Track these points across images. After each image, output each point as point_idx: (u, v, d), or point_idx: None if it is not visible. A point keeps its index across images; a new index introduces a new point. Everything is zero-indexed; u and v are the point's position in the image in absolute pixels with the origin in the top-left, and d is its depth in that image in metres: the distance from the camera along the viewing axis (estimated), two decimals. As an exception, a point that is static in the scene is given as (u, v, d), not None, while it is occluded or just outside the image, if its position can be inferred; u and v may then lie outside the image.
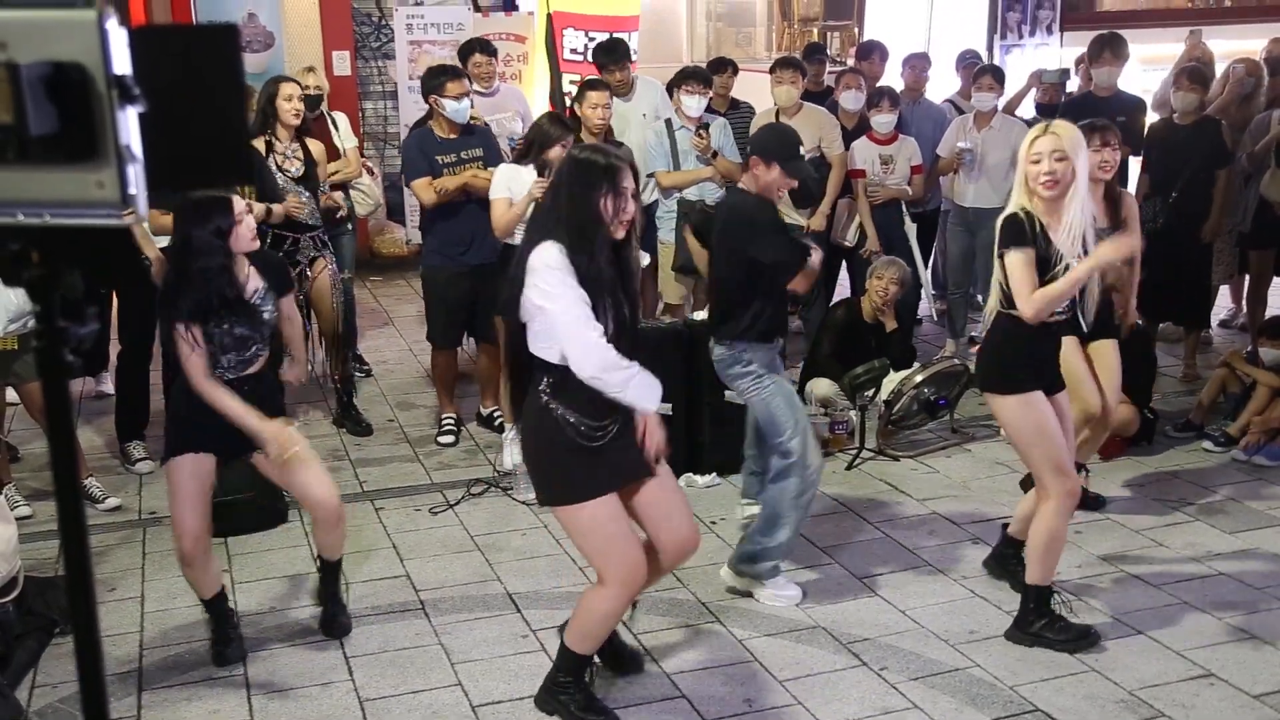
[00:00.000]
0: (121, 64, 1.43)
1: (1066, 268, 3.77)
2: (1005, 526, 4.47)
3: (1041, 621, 4.01)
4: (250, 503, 5.05)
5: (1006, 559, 4.42)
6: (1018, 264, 3.81)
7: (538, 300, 3.26)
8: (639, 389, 3.31)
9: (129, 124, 1.44)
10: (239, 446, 3.91)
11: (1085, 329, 4.41)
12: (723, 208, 4.70)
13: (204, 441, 3.88)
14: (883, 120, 6.82)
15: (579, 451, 3.36)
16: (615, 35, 7.60)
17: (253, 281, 3.87)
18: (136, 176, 1.46)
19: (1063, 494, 3.92)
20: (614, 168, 3.32)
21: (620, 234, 3.33)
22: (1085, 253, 3.79)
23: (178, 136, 1.53)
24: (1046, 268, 3.81)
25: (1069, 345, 4.32)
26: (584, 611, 3.52)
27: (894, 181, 6.97)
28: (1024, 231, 3.80)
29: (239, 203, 3.79)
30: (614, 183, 3.29)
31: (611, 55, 6.91)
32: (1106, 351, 4.87)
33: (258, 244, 3.88)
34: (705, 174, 6.43)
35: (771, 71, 6.92)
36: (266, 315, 3.89)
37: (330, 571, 4.21)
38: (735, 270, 4.29)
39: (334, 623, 4.17)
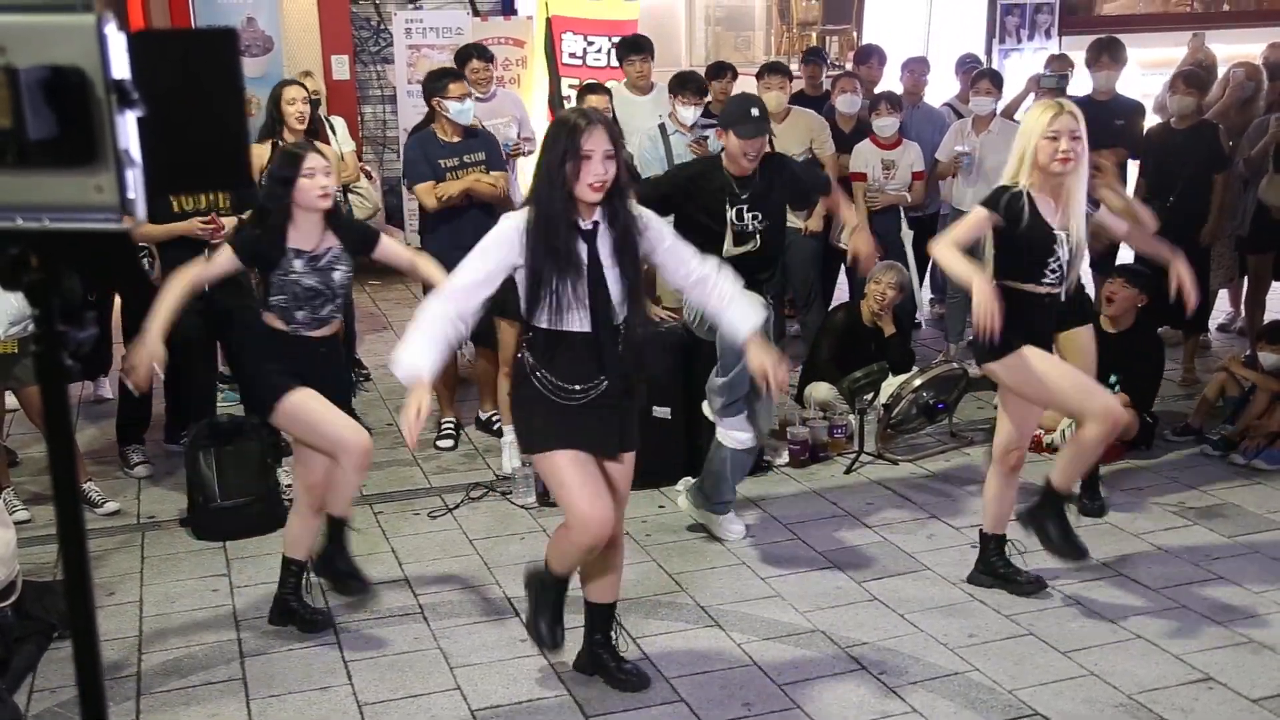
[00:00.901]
0: (120, 68, 1.43)
1: (1066, 240, 3.98)
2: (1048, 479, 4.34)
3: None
4: (249, 507, 5.05)
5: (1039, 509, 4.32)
6: (970, 218, 4.04)
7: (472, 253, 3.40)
8: (402, 358, 3.29)
9: (128, 128, 1.44)
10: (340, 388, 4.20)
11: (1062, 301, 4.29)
12: None
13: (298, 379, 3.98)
14: (885, 124, 6.83)
15: (549, 405, 3.44)
16: (614, 38, 7.60)
17: (327, 240, 3.99)
18: (135, 181, 1.46)
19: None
20: (575, 127, 3.29)
21: (590, 197, 3.30)
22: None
23: (177, 141, 1.53)
24: (1042, 243, 3.97)
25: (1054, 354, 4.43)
26: (554, 537, 3.69)
27: (894, 187, 6.97)
28: (1002, 202, 3.97)
29: (314, 160, 3.92)
30: (573, 142, 3.26)
31: (636, 48, 6.92)
32: (1081, 338, 4.77)
33: (326, 203, 3.95)
34: None
35: (759, 78, 6.93)
36: (337, 275, 4.01)
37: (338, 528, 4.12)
38: None
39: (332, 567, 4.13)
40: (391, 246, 4.25)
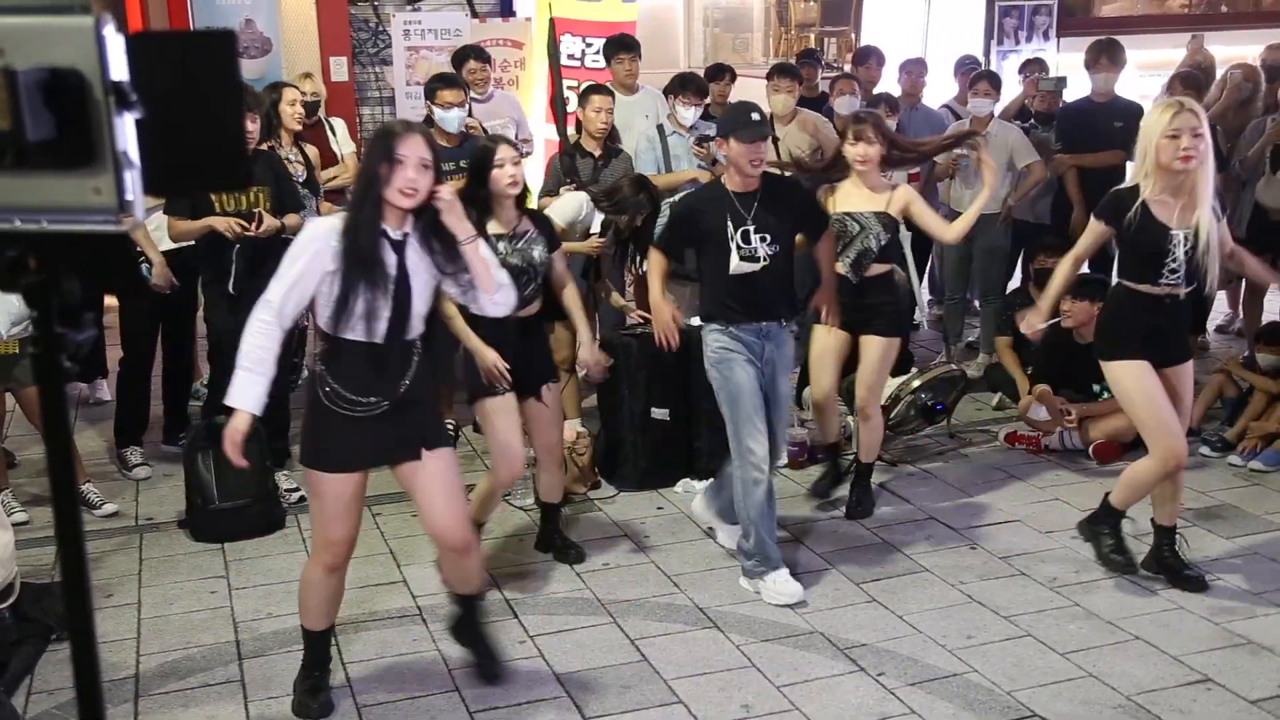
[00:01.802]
0: (119, 70, 1.43)
1: (1193, 239, 4.09)
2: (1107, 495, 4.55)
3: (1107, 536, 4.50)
4: (248, 509, 5.05)
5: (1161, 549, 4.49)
6: (1086, 232, 4.34)
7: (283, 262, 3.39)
8: (236, 384, 3.34)
9: (126, 130, 1.44)
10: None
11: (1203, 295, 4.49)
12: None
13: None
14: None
15: (335, 419, 3.42)
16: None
17: (523, 224, 4.39)
18: (134, 182, 1.46)
19: (1161, 453, 4.21)
20: (392, 133, 3.31)
21: (401, 203, 3.29)
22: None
23: (175, 142, 1.53)
24: (1154, 244, 4.09)
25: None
26: (302, 575, 3.71)
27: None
28: (1118, 209, 4.14)
29: (505, 151, 4.27)
30: (389, 147, 3.28)
31: (622, 46, 6.93)
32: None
33: (515, 189, 4.30)
34: (689, 175, 6.42)
35: (769, 79, 6.92)
36: (537, 253, 4.36)
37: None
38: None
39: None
40: (559, 263, 4.54)
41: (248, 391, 3.34)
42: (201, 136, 1.55)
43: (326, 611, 3.72)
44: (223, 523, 5.02)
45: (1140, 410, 4.25)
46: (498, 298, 3.52)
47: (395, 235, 3.37)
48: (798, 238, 4.64)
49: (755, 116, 4.35)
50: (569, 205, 5.60)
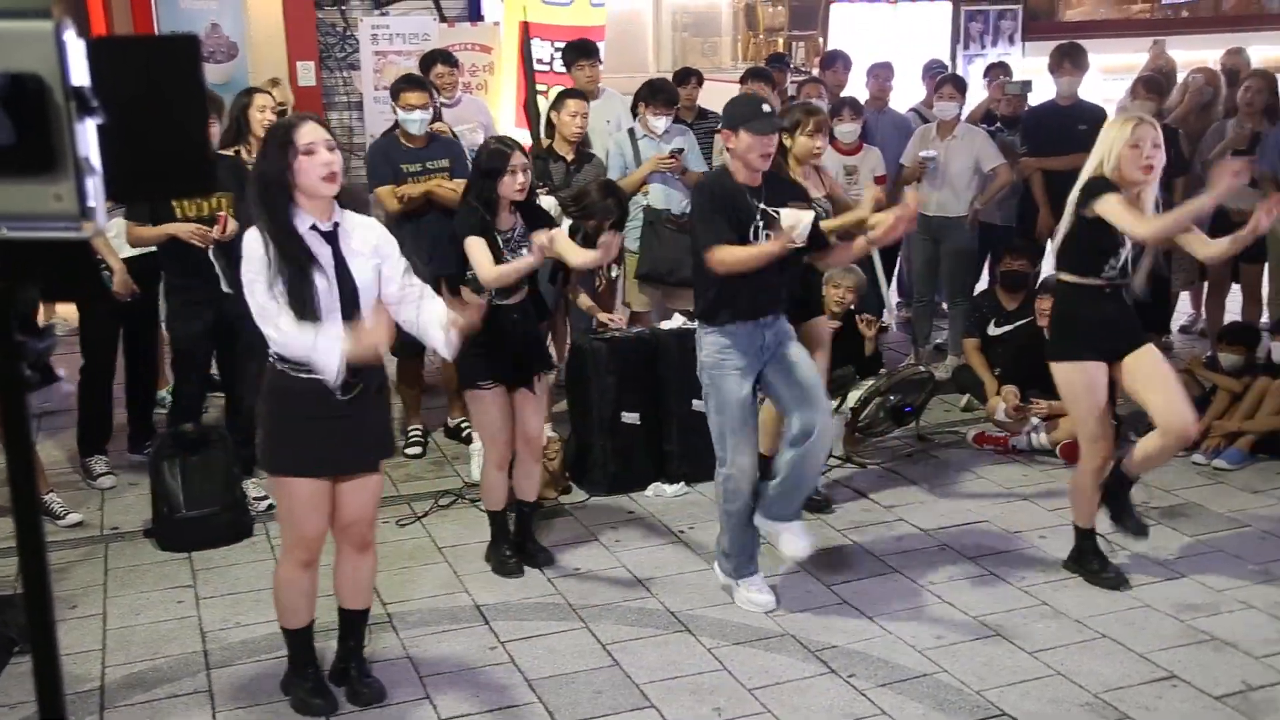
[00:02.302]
0: (80, 75, 1.42)
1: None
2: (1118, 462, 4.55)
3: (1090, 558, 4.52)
4: (216, 517, 5.01)
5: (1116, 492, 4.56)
6: (1114, 204, 4.11)
7: (245, 286, 3.37)
8: (320, 354, 3.31)
9: (87, 136, 1.43)
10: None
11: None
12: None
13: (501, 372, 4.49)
14: (846, 130, 6.85)
15: (295, 422, 3.43)
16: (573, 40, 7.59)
17: (518, 224, 4.49)
18: (95, 189, 1.45)
19: (1092, 454, 4.39)
20: (290, 125, 3.31)
21: (326, 190, 3.30)
22: None
23: (138, 148, 1.52)
24: (1108, 241, 4.19)
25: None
26: (275, 579, 3.70)
27: (856, 192, 7.00)
28: (1109, 184, 4.15)
29: (518, 158, 4.40)
30: (292, 140, 3.26)
31: (582, 52, 6.93)
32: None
33: (522, 196, 4.45)
34: (651, 166, 6.41)
35: (742, 82, 6.94)
36: (523, 250, 4.38)
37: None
38: (694, 246, 4.32)
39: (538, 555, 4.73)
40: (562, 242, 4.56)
41: (333, 349, 3.29)
42: (165, 142, 1.54)
43: (305, 607, 3.71)
44: (189, 531, 4.98)
45: (1081, 411, 4.38)
46: (448, 337, 3.52)
47: (325, 226, 3.36)
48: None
49: (766, 109, 4.21)
50: None
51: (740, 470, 4.29)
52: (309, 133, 3.28)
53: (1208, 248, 4.37)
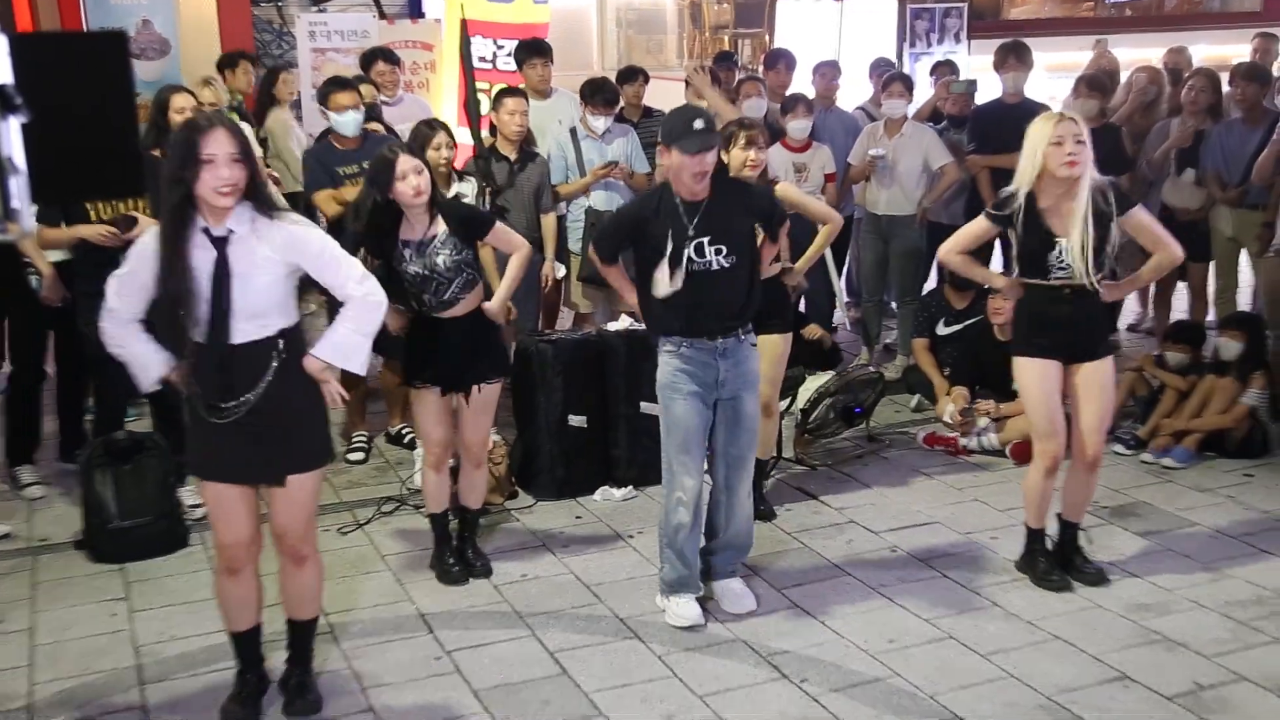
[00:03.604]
0: (2, 72, 1.38)
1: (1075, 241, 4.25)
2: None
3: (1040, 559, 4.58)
4: (150, 526, 4.92)
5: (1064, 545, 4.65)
6: (972, 223, 4.51)
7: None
8: (132, 359, 3.49)
9: (10, 135, 1.39)
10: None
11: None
12: None
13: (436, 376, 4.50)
14: (798, 126, 6.88)
15: (205, 426, 3.43)
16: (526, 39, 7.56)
17: (434, 228, 4.37)
18: (19, 189, 1.41)
19: (1042, 454, 4.46)
20: (196, 127, 3.22)
21: (219, 202, 3.24)
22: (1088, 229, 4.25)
23: (65, 148, 1.49)
24: (1038, 245, 4.30)
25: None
26: (215, 588, 3.73)
27: (807, 189, 7.03)
28: (1005, 206, 4.34)
29: (405, 161, 4.27)
30: (194, 146, 3.19)
31: (535, 51, 6.90)
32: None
33: (421, 199, 4.30)
34: (590, 180, 6.42)
35: (688, 84, 6.97)
36: (439, 259, 4.34)
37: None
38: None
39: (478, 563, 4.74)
40: (496, 237, 4.54)
41: (150, 358, 3.47)
42: (93, 142, 1.51)
43: (240, 614, 3.68)
44: (123, 542, 4.89)
45: (1032, 407, 4.47)
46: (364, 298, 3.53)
47: (217, 231, 3.30)
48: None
49: (699, 125, 4.03)
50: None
51: (684, 491, 4.25)
52: (212, 143, 3.18)
53: (1114, 290, 4.59)
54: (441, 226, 4.38)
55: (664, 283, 4.14)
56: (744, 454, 4.37)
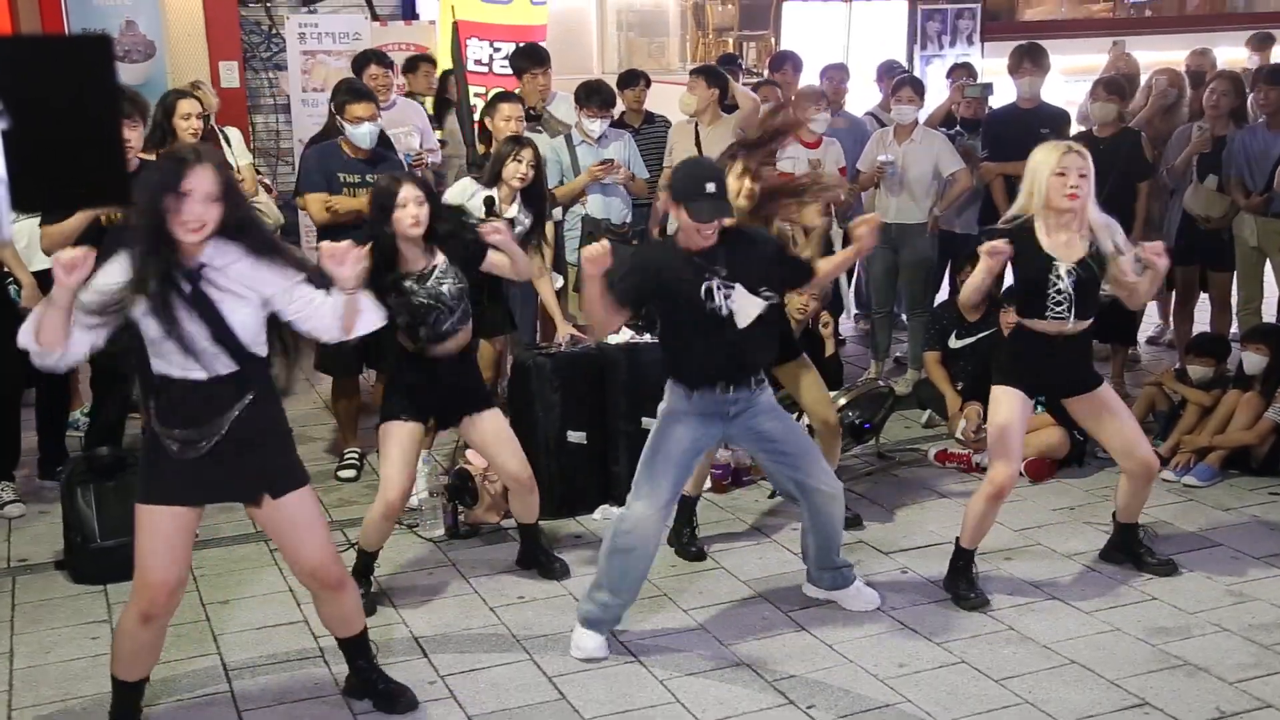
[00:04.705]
0: (-19, 77, 1.39)
1: (1077, 272, 4.36)
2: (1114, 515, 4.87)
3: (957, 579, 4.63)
4: (133, 546, 4.91)
5: (1126, 545, 4.85)
6: (975, 271, 4.52)
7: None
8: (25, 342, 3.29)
9: (-10, 142, 1.40)
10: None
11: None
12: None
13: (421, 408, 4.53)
14: (815, 120, 6.92)
15: (162, 453, 3.41)
16: (523, 45, 7.59)
17: (434, 259, 4.42)
18: (-1, 197, 1.42)
19: (992, 478, 4.49)
20: (182, 161, 3.25)
21: (186, 237, 3.24)
22: (1118, 250, 4.39)
23: (48, 154, 1.49)
24: (1037, 273, 4.39)
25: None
26: (118, 627, 3.63)
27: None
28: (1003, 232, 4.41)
29: (408, 190, 4.30)
30: (175, 177, 3.21)
31: (533, 59, 6.92)
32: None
33: (419, 230, 4.33)
34: (585, 180, 6.44)
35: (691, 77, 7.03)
36: (444, 288, 4.38)
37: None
38: None
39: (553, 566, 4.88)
40: (496, 257, 4.55)
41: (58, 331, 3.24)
42: (77, 148, 1.51)
43: (138, 663, 3.65)
44: (105, 562, 4.88)
45: (998, 425, 4.50)
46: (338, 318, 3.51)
47: (190, 264, 3.31)
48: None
49: (711, 189, 3.98)
50: (457, 191, 5.62)
51: (636, 515, 4.18)
52: (194, 178, 3.21)
53: (1135, 296, 4.61)
54: (440, 257, 4.44)
55: (747, 309, 4.13)
56: (801, 444, 4.41)
